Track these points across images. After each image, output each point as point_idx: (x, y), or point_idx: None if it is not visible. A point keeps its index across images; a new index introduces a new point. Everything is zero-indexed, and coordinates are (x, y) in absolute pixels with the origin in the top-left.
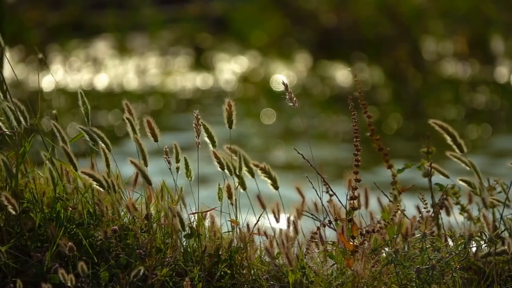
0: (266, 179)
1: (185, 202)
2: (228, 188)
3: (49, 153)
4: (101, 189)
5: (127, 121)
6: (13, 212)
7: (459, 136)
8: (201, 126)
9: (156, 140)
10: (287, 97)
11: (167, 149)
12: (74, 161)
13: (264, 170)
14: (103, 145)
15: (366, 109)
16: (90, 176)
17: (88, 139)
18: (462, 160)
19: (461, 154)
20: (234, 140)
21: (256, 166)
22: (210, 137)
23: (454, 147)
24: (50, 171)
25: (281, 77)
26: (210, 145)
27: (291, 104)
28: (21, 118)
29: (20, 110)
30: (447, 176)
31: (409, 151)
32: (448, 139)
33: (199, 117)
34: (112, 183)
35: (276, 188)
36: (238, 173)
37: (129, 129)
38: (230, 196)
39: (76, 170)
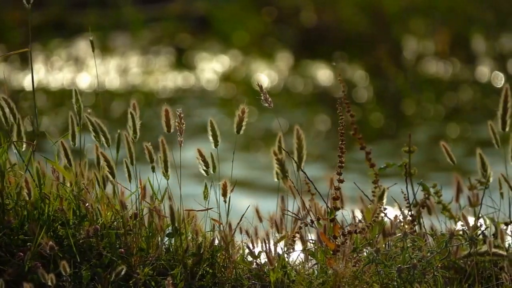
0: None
1: (173, 201)
2: (224, 186)
3: (31, 152)
4: (111, 177)
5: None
6: None
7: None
8: (184, 125)
9: (169, 131)
10: (262, 98)
11: (149, 147)
12: (69, 155)
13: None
14: (103, 138)
15: (349, 108)
16: (106, 160)
17: (91, 131)
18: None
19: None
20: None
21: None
22: (214, 136)
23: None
24: (36, 169)
25: (263, 76)
26: (212, 144)
27: (266, 104)
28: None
29: (10, 107)
30: (453, 161)
31: (391, 150)
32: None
33: (181, 115)
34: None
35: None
36: (213, 172)
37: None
38: (224, 194)
39: (70, 165)
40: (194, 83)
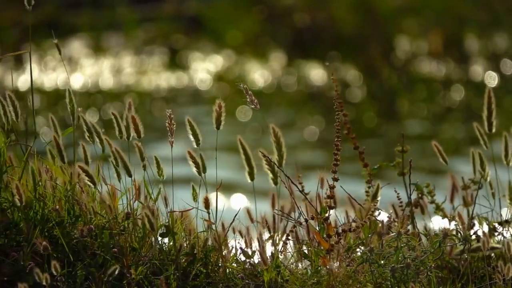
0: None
1: (167, 201)
2: (206, 200)
3: (28, 151)
4: (92, 185)
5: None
6: None
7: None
8: (174, 125)
9: (139, 136)
10: (248, 99)
11: (140, 146)
12: (63, 154)
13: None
14: (97, 139)
15: (342, 107)
16: (85, 171)
17: (85, 131)
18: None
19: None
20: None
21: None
22: (195, 135)
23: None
24: (32, 170)
25: (256, 76)
26: (194, 144)
27: (252, 106)
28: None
29: (13, 105)
30: (446, 161)
31: (384, 150)
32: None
33: (172, 116)
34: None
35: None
36: (203, 173)
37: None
38: (207, 207)
39: (64, 162)
40: (187, 83)
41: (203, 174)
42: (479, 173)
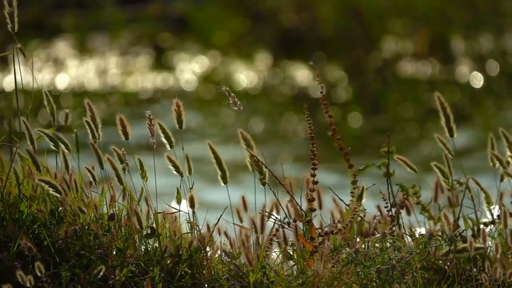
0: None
1: (149, 203)
2: (191, 199)
3: (16, 151)
4: (57, 194)
5: (86, 124)
6: None
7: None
8: (155, 126)
9: (127, 138)
10: (231, 101)
11: (117, 150)
12: (37, 162)
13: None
14: (63, 146)
15: (328, 108)
16: (47, 183)
17: (48, 140)
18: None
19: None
20: (195, 140)
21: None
22: (167, 137)
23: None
24: (14, 170)
25: (241, 76)
26: (168, 146)
27: (236, 108)
28: None
29: None
30: (414, 170)
31: (369, 150)
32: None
33: (151, 117)
34: (74, 183)
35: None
36: (189, 174)
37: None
38: (192, 205)
39: (39, 171)
40: (173, 84)
41: (189, 175)
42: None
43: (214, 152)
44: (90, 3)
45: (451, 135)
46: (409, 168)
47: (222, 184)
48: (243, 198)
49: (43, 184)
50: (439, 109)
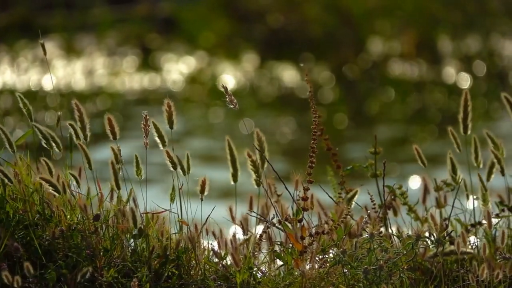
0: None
1: (136, 203)
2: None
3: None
4: (56, 193)
5: (70, 127)
6: None
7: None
8: (149, 127)
9: (115, 138)
10: (227, 99)
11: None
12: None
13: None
14: (54, 145)
15: (316, 109)
16: (47, 181)
17: (41, 138)
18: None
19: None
20: (181, 139)
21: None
22: (161, 137)
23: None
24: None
25: (229, 77)
26: (160, 145)
27: (231, 106)
28: None
29: None
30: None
31: (355, 151)
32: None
33: (147, 117)
34: (63, 185)
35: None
36: (188, 173)
37: (73, 134)
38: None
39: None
40: (160, 85)
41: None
42: (451, 177)
43: (230, 149)
44: (78, 4)
45: (465, 132)
46: (420, 161)
47: (232, 183)
48: (230, 209)
49: (43, 182)
50: (461, 104)
